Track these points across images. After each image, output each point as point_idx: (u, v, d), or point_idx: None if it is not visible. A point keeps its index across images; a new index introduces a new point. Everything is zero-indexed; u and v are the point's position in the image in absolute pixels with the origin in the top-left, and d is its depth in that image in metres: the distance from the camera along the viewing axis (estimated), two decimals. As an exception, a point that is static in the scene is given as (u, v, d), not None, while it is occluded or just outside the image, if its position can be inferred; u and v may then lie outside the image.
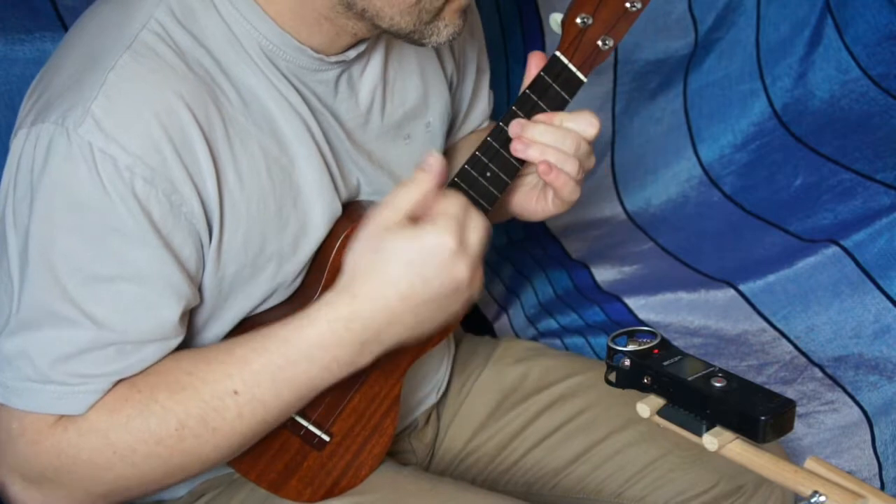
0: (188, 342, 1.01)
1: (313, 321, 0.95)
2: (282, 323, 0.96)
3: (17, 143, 0.95)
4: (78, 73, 0.94)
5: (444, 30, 0.99)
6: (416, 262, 0.92)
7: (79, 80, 0.93)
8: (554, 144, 1.02)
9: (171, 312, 0.95)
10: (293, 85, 1.01)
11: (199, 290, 0.99)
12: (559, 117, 1.03)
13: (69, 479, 0.95)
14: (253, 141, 0.98)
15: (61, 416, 0.94)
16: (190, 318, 1.00)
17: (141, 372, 0.96)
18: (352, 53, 1.04)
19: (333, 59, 1.02)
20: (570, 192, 1.06)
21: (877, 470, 1.57)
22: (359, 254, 0.94)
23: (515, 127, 1.02)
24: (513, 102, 1.03)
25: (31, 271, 0.93)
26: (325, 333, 0.94)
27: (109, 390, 0.94)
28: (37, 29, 1.35)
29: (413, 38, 1.00)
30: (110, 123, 0.91)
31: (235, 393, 0.95)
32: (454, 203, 0.93)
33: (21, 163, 0.94)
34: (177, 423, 0.94)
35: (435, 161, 0.93)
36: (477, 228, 0.94)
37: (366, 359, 0.96)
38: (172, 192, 0.93)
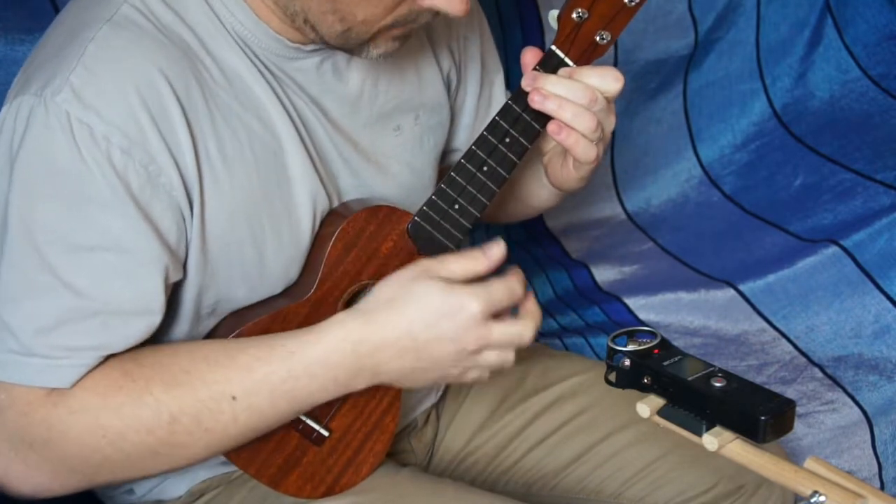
0: (175, 323, 1.01)
1: (322, 338, 0.96)
2: (289, 334, 0.97)
3: None
4: (59, 47, 0.95)
5: (374, 51, 1.00)
6: (437, 311, 0.96)
7: (59, 52, 0.94)
8: (566, 96, 1.01)
9: (151, 284, 0.95)
10: (271, 71, 1.01)
11: (185, 266, 0.98)
12: (580, 72, 1.02)
13: (56, 454, 0.94)
14: (235, 118, 0.98)
15: (51, 392, 0.94)
16: (178, 297, 1.00)
17: (135, 361, 0.95)
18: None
19: (311, 47, 1.03)
20: (583, 150, 1.03)
21: (877, 470, 1.57)
22: (390, 286, 0.98)
23: (528, 78, 1.02)
24: (510, 97, 1.03)
25: (10, 241, 0.93)
26: (330, 351, 0.96)
27: (100, 370, 0.94)
28: (37, 29, 1.35)
29: (346, 52, 1.01)
30: (88, 93, 0.91)
31: (234, 399, 0.95)
32: (504, 287, 0.98)
33: (1, 135, 0.94)
34: (170, 417, 0.94)
35: (498, 250, 0.99)
36: (511, 325, 0.98)
37: (359, 385, 0.99)
38: (150, 163, 0.93)
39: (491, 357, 0.99)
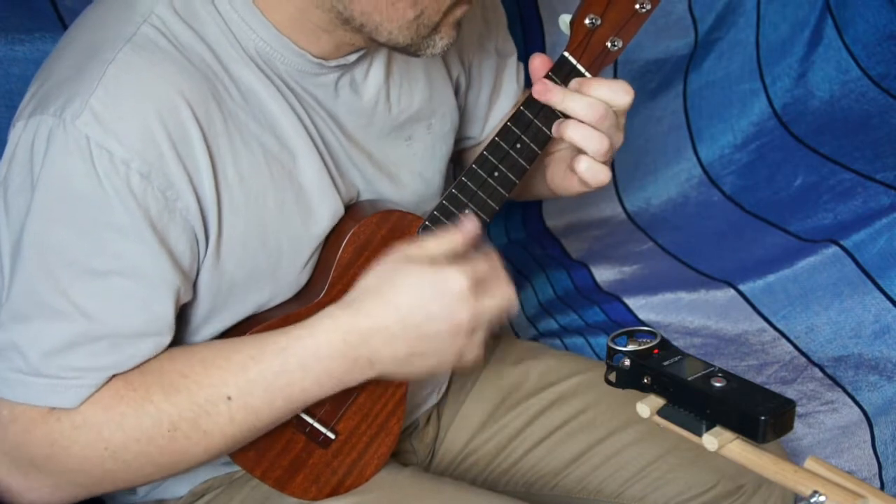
0: (185, 338, 1.01)
1: (312, 331, 0.96)
2: (281, 331, 0.97)
3: (14, 134, 0.95)
4: (77, 66, 0.94)
5: (440, 42, 0.99)
6: (425, 292, 0.94)
7: (78, 73, 0.93)
8: (578, 114, 1.00)
9: (163, 308, 0.95)
10: (290, 87, 1.01)
11: (196, 286, 0.99)
12: (589, 84, 1.01)
13: (58, 468, 0.94)
14: (252, 137, 0.98)
15: (54, 408, 0.94)
16: (188, 314, 1.00)
17: (136, 369, 0.95)
18: (352, 57, 1.04)
19: (333, 63, 1.02)
20: (594, 176, 1.03)
21: (877, 470, 1.57)
22: (374, 274, 0.96)
23: (540, 86, 1.01)
24: (521, 102, 1.03)
25: (24, 263, 0.93)
26: (321, 344, 0.95)
27: (104, 385, 0.94)
28: (37, 29, 1.35)
29: (409, 51, 1.00)
30: (108, 117, 0.90)
31: (229, 399, 0.95)
32: (485, 259, 0.96)
33: (17, 153, 0.93)
34: (170, 424, 0.94)
35: (469, 223, 0.97)
36: (497, 294, 0.96)
37: (355, 378, 0.98)
38: (168, 188, 0.92)
39: (482, 318, 0.96)
